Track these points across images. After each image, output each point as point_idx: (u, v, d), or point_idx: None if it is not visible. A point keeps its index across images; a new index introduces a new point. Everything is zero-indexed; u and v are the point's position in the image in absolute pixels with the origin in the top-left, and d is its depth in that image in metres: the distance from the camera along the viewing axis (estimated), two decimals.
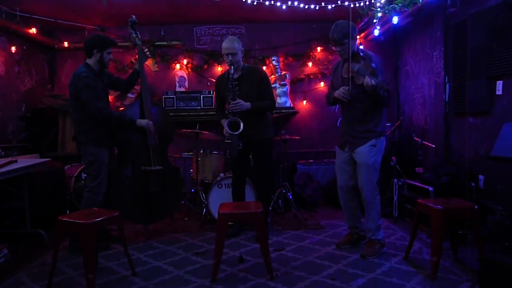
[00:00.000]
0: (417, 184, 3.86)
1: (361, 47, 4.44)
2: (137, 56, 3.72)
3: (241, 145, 3.41)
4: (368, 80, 2.79)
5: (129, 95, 5.21)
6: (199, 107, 5.22)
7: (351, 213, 3.32)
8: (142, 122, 3.51)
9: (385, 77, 3.79)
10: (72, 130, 4.83)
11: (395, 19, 3.99)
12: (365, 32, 5.15)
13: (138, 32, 3.66)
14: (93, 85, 3.26)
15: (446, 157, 4.18)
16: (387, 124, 3.17)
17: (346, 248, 3.29)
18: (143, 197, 3.57)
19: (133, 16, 3.63)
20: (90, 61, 3.35)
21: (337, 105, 3.20)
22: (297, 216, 4.28)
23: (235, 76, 3.45)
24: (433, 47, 4.48)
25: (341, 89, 3.05)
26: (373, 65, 2.93)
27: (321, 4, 4.35)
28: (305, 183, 4.75)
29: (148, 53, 3.72)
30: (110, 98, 5.34)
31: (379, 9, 4.08)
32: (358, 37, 3.15)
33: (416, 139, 4.46)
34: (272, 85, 5.24)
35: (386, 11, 4.00)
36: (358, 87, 2.97)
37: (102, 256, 3.13)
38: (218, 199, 3.78)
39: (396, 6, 3.86)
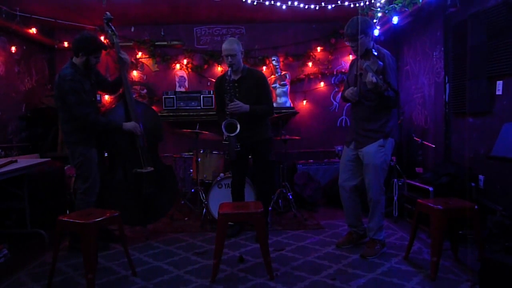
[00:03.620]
0: (417, 184, 3.85)
1: None
2: (115, 54, 3.50)
3: (239, 146, 3.39)
4: (370, 77, 2.77)
5: None
6: (199, 107, 5.23)
7: (351, 211, 3.32)
8: (129, 125, 3.40)
9: (396, 76, 3.78)
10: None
11: (395, 19, 3.99)
12: None
13: (114, 29, 3.48)
14: (79, 89, 3.15)
15: (446, 157, 4.18)
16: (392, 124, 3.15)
17: (346, 248, 3.29)
18: (138, 200, 3.54)
19: (108, 13, 3.44)
20: (76, 61, 3.24)
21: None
22: (297, 216, 4.28)
23: (235, 77, 3.44)
24: (433, 47, 4.48)
25: (350, 89, 3.09)
26: (380, 63, 2.90)
27: (321, 4, 4.36)
28: (305, 183, 4.75)
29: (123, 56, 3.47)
30: (110, 98, 5.39)
31: (379, 9, 4.09)
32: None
33: (416, 139, 4.46)
34: (272, 85, 5.24)
35: (386, 11, 4.00)
36: (367, 85, 2.96)
37: (102, 256, 3.13)
38: (218, 199, 3.77)
39: (396, 6, 3.87)
